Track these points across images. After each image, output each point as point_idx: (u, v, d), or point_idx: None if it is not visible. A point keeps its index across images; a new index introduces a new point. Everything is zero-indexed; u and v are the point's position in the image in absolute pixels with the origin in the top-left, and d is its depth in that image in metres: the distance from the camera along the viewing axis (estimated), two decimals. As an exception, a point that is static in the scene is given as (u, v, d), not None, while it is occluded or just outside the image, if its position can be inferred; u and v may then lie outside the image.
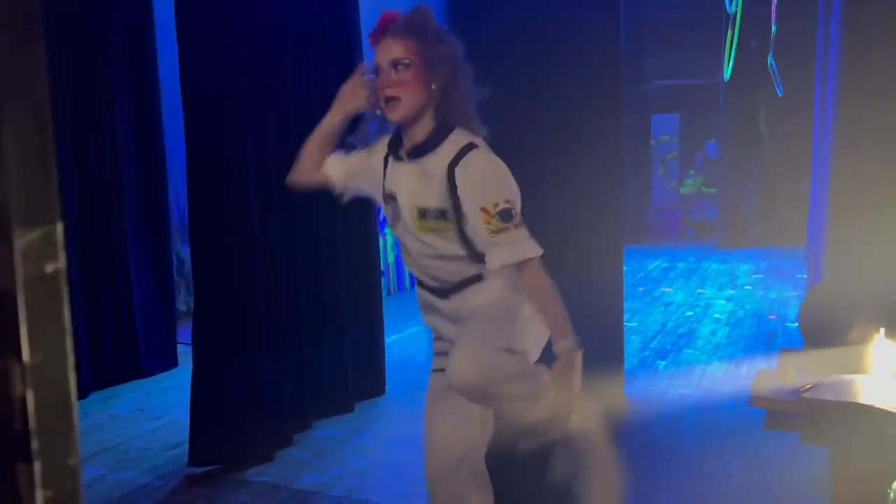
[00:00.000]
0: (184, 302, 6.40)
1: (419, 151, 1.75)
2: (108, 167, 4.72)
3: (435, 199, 1.73)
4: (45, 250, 0.41)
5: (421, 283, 1.94)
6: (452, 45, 1.73)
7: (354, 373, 4.14)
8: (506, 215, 1.68)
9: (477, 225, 1.70)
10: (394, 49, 1.68)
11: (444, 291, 1.85)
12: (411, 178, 1.78)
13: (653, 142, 12.76)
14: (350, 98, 1.84)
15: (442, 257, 1.80)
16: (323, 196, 3.90)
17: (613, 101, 4.00)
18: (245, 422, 3.36)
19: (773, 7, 8.33)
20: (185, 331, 4.63)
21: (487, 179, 1.70)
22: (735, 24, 8.31)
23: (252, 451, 3.38)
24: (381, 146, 1.90)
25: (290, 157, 3.67)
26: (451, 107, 1.71)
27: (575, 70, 3.72)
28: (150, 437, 3.78)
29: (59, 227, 0.42)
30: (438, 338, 2.00)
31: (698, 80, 11.82)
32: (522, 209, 1.78)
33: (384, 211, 1.91)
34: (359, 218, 4.07)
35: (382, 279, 4.64)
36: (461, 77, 1.72)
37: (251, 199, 3.42)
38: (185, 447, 3.37)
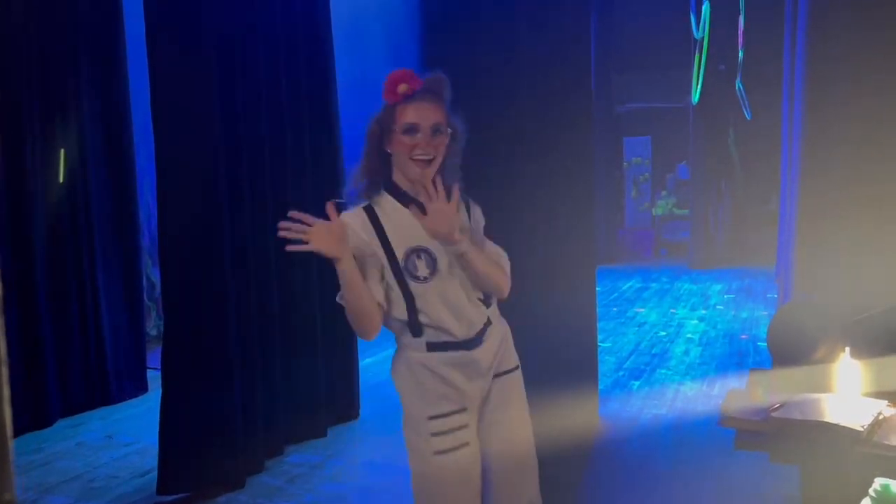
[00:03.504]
0: (154, 326, 6.31)
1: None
2: (77, 189, 4.66)
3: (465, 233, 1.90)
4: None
5: (445, 346, 1.85)
6: (460, 117, 1.91)
7: (328, 397, 4.10)
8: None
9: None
10: (436, 115, 1.83)
11: (479, 338, 1.87)
12: None
13: (625, 163, 12.92)
14: (341, 240, 1.75)
15: (473, 295, 1.90)
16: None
17: (585, 123, 4.05)
18: (215, 448, 3.31)
19: (740, 32, 8.51)
20: (155, 355, 4.56)
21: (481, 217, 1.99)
22: (702, 48, 8.48)
23: (223, 477, 3.32)
24: (356, 218, 1.83)
25: (262, 179, 3.67)
26: (452, 165, 1.90)
27: (547, 93, 3.76)
28: (118, 465, 3.71)
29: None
30: (455, 412, 1.86)
31: (669, 102, 12.01)
32: (497, 231, 2.01)
33: (411, 269, 1.82)
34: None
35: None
36: (461, 144, 1.91)
37: (222, 221, 3.39)
38: (154, 475, 3.31)
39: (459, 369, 1.85)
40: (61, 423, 4.39)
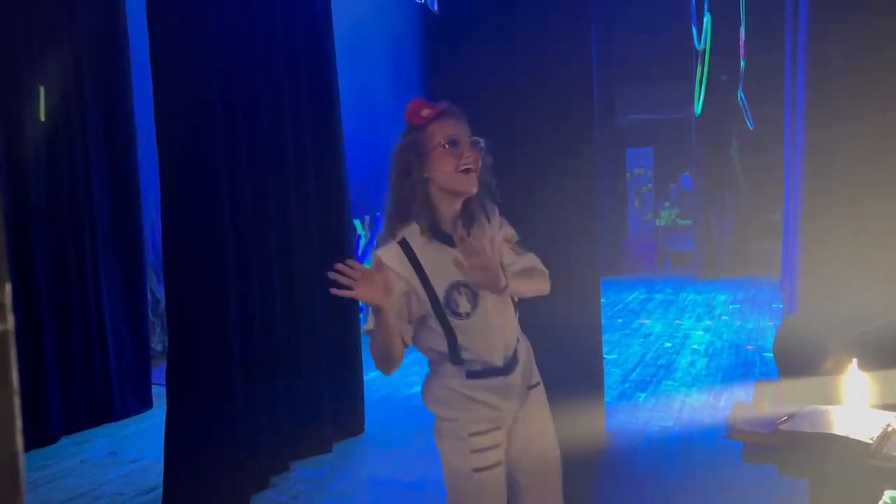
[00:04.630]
0: (159, 341, 6.30)
1: (468, 224, 1.87)
2: (80, 204, 4.67)
3: (505, 254, 1.93)
4: (-9, 311, 0.40)
5: (485, 373, 1.85)
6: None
7: (333, 412, 4.08)
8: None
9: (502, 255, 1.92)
10: (468, 130, 1.86)
11: (515, 360, 1.90)
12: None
13: (628, 175, 12.91)
14: (385, 288, 1.71)
15: (513, 316, 1.93)
16: (298, 232, 3.91)
17: (587, 134, 4.06)
18: (221, 464, 3.30)
19: (742, 43, 8.53)
20: (160, 371, 4.56)
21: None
22: (704, 59, 8.49)
23: (228, 494, 3.31)
24: (393, 256, 1.80)
25: (264, 193, 3.68)
26: (486, 183, 1.90)
27: (548, 105, 3.76)
28: (122, 482, 3.69)
29: (7, 289, 0.41)
30: (492, 429, 1.88)
31: (671, 113, 12.02)
32: None
33: (452, 306, 1.81)
34: (336, 253, 4.05)
35: (361, 315, 4.61)
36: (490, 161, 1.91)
37: (226, 237, 3.39)
38: (160, 491, 3.30)
39: (497, 393, 1.87)
40: (65, 441, 4.38)
